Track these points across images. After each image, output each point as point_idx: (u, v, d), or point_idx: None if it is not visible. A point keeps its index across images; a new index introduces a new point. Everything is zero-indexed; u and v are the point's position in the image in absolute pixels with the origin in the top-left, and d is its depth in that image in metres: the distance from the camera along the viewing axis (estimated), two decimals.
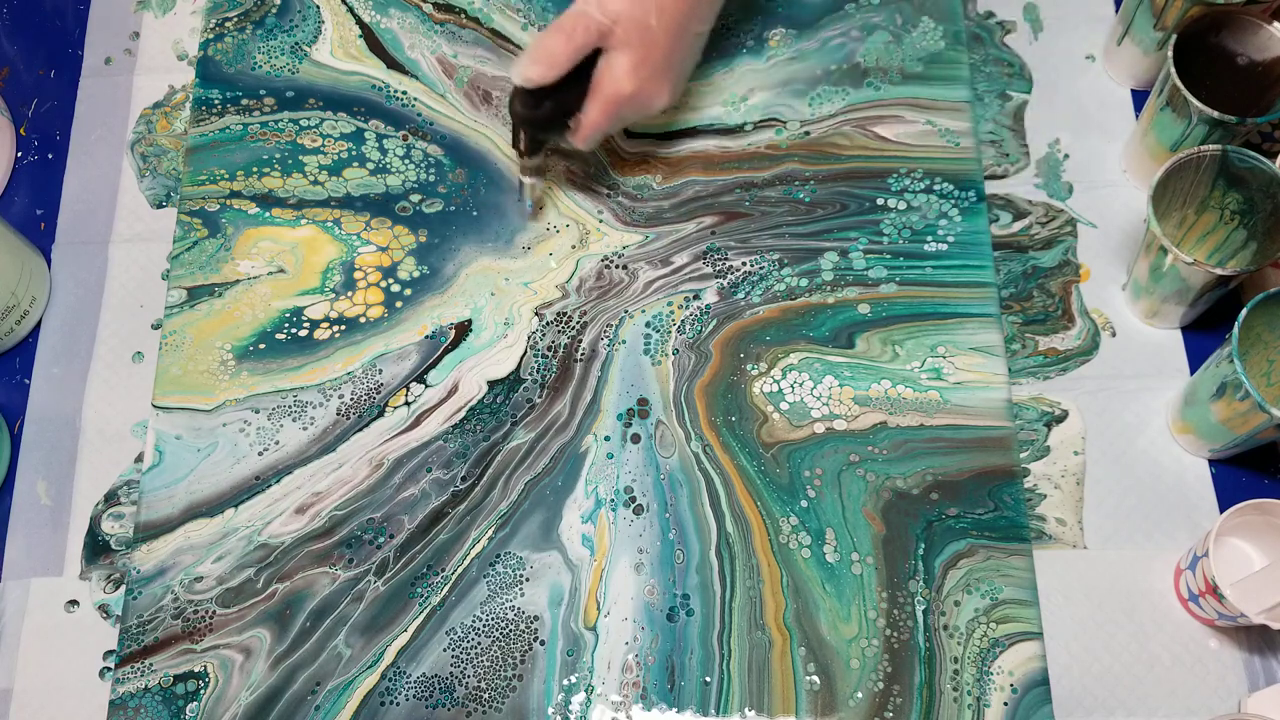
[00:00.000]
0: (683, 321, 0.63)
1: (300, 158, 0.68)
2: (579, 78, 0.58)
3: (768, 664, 0.56)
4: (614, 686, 0.56)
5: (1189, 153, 0.58)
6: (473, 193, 0.67)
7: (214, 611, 0.58)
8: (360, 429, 0.62)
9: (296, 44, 0.71)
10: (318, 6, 0.72)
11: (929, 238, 0.65)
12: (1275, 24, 0.60)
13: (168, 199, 0.68)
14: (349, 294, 0.65)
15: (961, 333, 0.63)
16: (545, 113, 0.59)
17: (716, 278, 0.64)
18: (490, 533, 0.59)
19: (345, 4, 0.72)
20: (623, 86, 0.58)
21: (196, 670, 0.57)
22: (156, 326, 0.65)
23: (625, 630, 0.57)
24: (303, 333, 0.64)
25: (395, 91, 0.69)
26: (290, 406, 0.62)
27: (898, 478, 0.60)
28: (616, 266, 0.65)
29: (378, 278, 0.65)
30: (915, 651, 0.57)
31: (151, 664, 0.57)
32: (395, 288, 0.65)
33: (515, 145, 0.61)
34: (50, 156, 0.70)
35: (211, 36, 0.71)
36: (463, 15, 0.71)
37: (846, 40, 0.70)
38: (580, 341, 0.63)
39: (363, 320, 0.64)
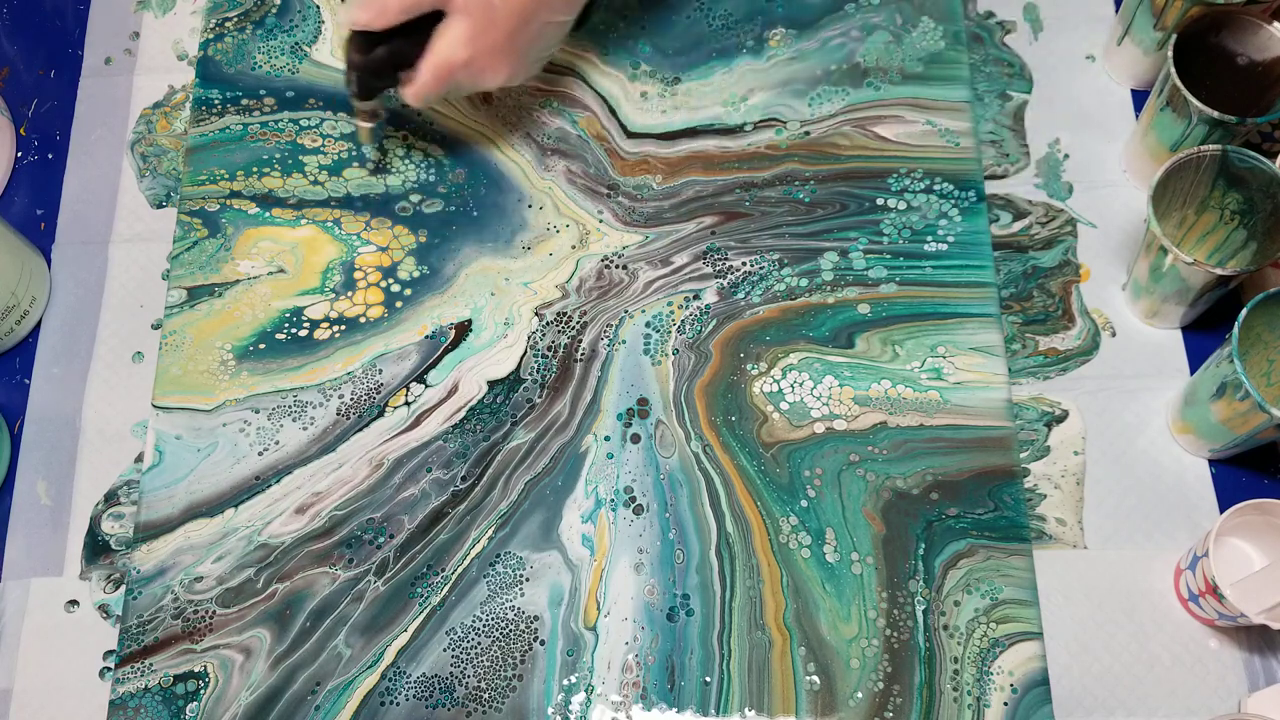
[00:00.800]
0: (683, 321, 0.63)
1: (300, 158, 0.68)
2: (420, 34, 0.58)
3: (768, 664, 0.56)
4: (614, 686, 0.56)
5: (1189, 153, 0.58)
6: (473, 193, 0.67)
7: (214, 611, 0.58)
8: (360, 429, 0.62)
9: (296, 44, 0.71)
10: (318, 6, 0.72)
11: (929, 238, 0.65)
12: (1275, 24, 0.60)
13: (168, 199, 0.68)
14: (349, 294, 0.65)
15: (961, 333, 0.63)
16: (377, 60, 0.59)
17: (716, 278, 0.64)
18: (490, 533, 0.59)
19: (346, 4, 0.72)
20: (455, 54, 0.58)
21: (196, 670, 0.57)
22: (156, 326, 0.65)
23: (625, 630, 0.57)
24: (303, 333, 0.64)
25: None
26: (290, 406, 0.62)
27: (898, 478, 0.60)
28: (616, 266, 0.65)
29: (378, 278, 0.65)
30: (915, 651, 0.57)
31: (151, 664, 0.57)
32: (395, 288, 0.65)
33: (347, 86, 0.61)
34: (50, 156, 0.70)
35: (211, 36, 0.71)
36: None
37: (846, 40, 0.70)
38: (580, 341, 0.63)
39: (363, 320, 0.64)
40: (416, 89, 0.60)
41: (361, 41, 0.59)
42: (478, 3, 0.57)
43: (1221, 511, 0.59)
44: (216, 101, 0.69)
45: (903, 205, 0.66)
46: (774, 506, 0.59)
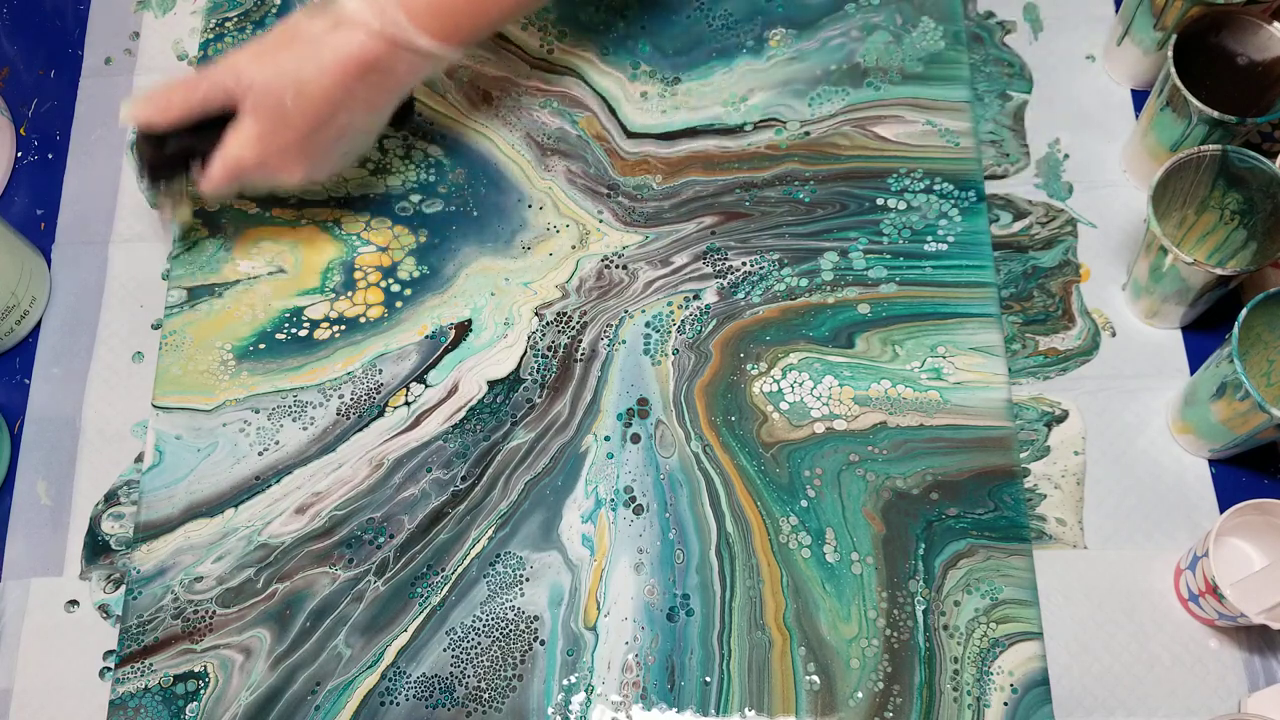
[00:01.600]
0: (683, 321, 0.63)
1: None
2: (215, 129, 0.58)
3: (768, 664, 0.56)
4: (614, 686, 0.56)
5: (1189, 153, 0.58)
6: (473, 193, 0.67)
7: (214, 611, 0.58)
8: (360, 429, 0.62)
9: None
10: None
11: (929, 238, 0.65)
12: (1275, 24, 0.60)
13: None
14: (349, 294, 0.65)
15: (961, 333, 0.63)
16: (168, 154, 0.59)
17: (716, 278, 0.64)
18: (490, 533, 0.59)
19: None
20: (244, 153, 0.57)
21: (196, 670, 0.57)
22: (156, 326, 0.65)
23: (625, 630, 0.57)
24: (303, 333, 0.64)
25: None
26: (290, 406, 0.62)
27: (898, 478, 0.60)
28: (616, 266, 0.65)
29: (378, 278, 0.65)
30: (915, 651, 0.57)
31: (151, 664, 0.57)
32: (395, 288, 0.65)
33: (139, 176, 0.61)
34: (50, 156, 0.70)
35: (211, 37, 0.71)
36: None
37: (846, 40, 0.70)
38: (580, 341, 0.63)
39: (363, 320, 0.64)
40: (207, 184, 0.59)
41: (152, 135, 0.58)
42: (267, 104, 0.56)
43: (1221, 511, 0.59)
44: None
45: (903, 205, 0.66)
46: (774, 506, 0.59)
